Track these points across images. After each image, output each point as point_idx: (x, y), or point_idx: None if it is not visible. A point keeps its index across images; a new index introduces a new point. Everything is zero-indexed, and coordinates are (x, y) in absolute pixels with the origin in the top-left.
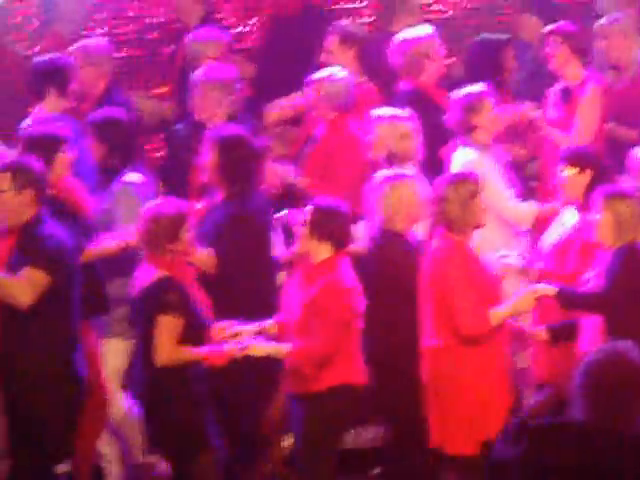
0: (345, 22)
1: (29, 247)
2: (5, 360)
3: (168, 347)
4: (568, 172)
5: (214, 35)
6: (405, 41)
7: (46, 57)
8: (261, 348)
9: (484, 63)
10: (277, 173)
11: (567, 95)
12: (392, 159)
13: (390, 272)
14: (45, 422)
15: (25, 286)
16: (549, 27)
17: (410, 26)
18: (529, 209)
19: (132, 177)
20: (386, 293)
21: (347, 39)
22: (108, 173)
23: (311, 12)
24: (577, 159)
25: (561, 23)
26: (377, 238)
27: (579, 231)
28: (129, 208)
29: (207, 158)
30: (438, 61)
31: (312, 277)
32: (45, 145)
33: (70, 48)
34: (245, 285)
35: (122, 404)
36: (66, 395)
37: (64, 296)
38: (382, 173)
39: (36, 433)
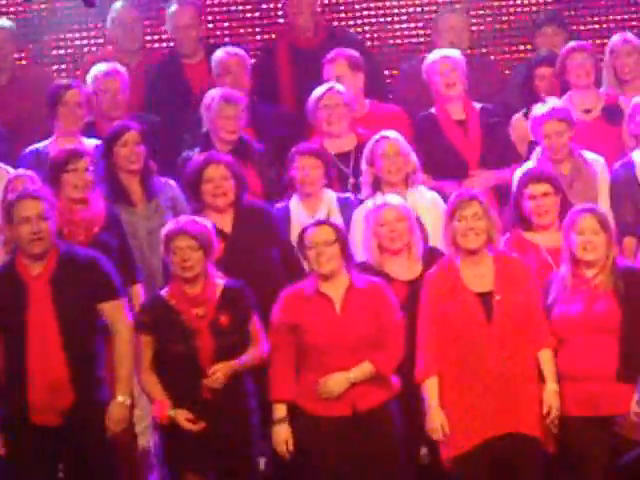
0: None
1: (96, 276)
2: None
3: (139, 367)
4: (547, 192)
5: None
6: None
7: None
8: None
9: (520, 87)
10: None
11: (611, 114)
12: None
13: None
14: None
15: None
16: (575, 43)
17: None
18: None
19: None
20: None
21: (356, 64)
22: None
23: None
24: (552, 180)
25: (581, 42)
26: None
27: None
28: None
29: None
30: (438, 88)
31: (354, 294)
32: (50, 167)
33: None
34: None
35: None
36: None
37: None
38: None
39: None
